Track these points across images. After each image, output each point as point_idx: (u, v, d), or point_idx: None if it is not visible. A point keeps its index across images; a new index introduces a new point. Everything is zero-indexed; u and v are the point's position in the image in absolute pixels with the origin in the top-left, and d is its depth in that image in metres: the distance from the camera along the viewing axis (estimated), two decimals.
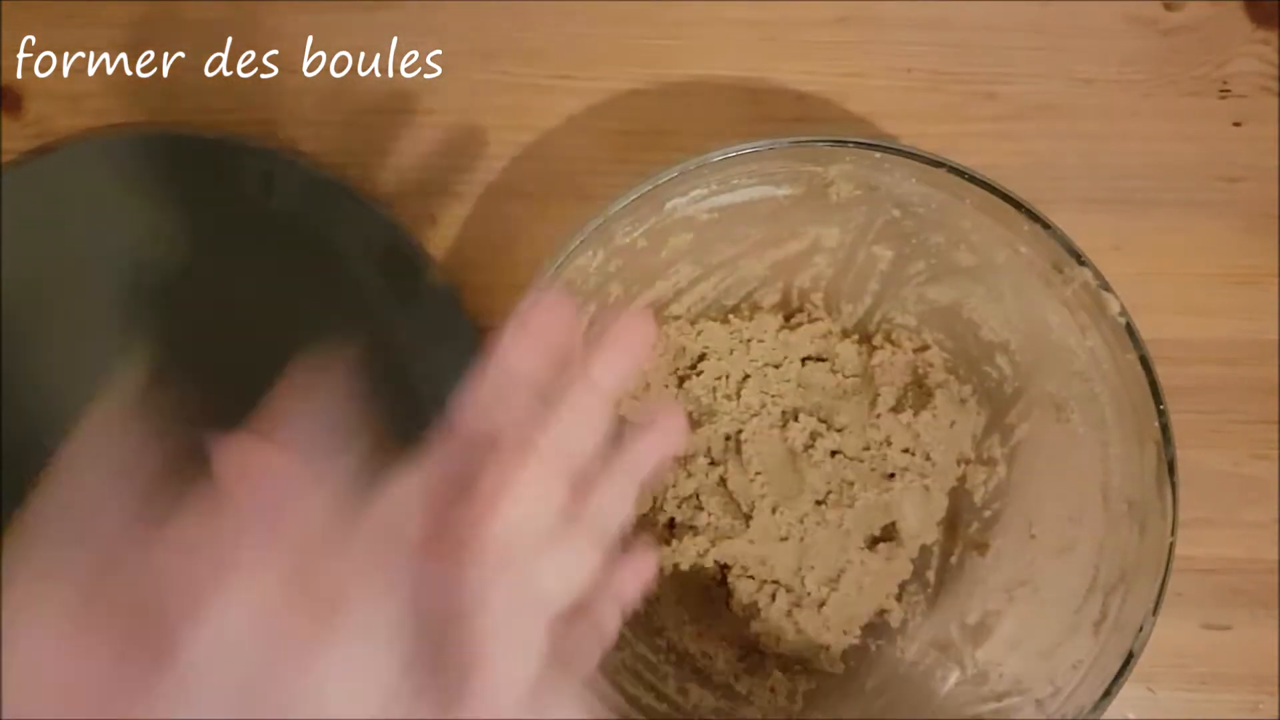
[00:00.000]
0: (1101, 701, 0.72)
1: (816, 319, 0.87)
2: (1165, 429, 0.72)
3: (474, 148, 0.94)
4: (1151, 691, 0.90)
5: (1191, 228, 0.94)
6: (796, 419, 0.85)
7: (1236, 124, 0.94)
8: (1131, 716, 0.90)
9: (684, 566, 0.84)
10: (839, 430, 0.85)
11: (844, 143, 0.74)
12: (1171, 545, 0.72)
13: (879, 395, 0.85)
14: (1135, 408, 0.74)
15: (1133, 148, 0.94)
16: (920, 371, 0.86)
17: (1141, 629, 0.72)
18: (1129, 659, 0.72)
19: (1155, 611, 0.72)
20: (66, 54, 0.94)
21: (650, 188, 0.74)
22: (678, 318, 0.86)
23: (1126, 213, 0.94)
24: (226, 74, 0.95)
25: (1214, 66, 0.95)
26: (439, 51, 0.94)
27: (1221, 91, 0.95)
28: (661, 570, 0.85)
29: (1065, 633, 0.76)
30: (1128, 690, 0.73)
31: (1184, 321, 0.93)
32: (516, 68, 0.95)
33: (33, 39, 0.94)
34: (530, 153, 0.94)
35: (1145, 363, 0.72)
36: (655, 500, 0.86)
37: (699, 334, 0.85)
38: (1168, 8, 0.95)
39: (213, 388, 0.90)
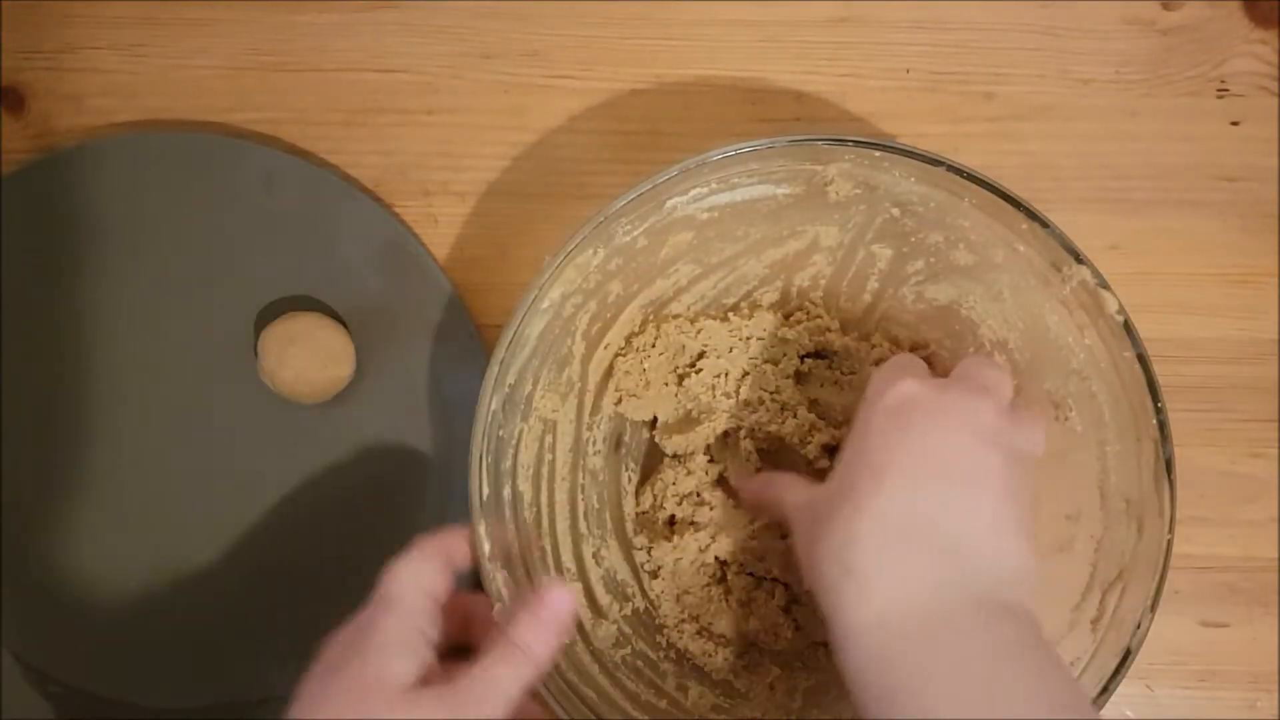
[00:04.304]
0: (1099, 698, 0.72)
1: (816, 317, 0.87)
2: (1163, 427, 0.73)
3: (474, 147, 0.95)
4: (1150, 689, 0.91)
5: (1189, 227, 0.94)
6: (795, 415, 0.85)
7: (1234, 124, 0.95)
8: (1130, 714, 0.90)
9: (684, 563, 0.84)
10: (836, 427, 0.85)
11: (843, 141, 0.75)
12: (1169, 543, 0.72)
13: None
14: (1133, 406, 0.74)
15: (1131, 148, 0.95)
16: None
17: (1139, 626, 0.72)
18: (1126, 656, 0.72)
19: (1153, 609, 0.72)
20: (68, 54, 0.95)
21: (650, 187, 0.74)
22: (677, 316, 0.87)
23: (1124, 212, 0.94)
24: (226, 73, 0.95)
25: (1212, 66, 0.95)
26: (439, 51, 0.95)
27: (1220, 91, 0.95)
28: (661, 568, 0.85)
29: (1063, 630, 0.76)
30: (1126, 688, 0.73)
31: (1181, 321, 0.94)
32: (516, 68, 0.95)
33: (34, 39, 0.95)
34: (530, 152, 0.95)
35: (1143, 361, 0.73)
36: (655, 498, 0.87)
37: (699, 332, 0.85)
38: (1166, 8, 0.95)
39: (211, 382, 0.91)
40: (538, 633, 0.69)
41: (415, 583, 0.69)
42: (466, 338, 0.91)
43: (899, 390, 0.68)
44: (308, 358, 0.87)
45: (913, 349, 0.86)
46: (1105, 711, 0.73)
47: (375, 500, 0.91)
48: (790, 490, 0.76)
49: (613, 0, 0.95)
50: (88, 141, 0.91)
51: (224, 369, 0.91)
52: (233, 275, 0.92)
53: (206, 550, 0.91)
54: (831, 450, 0.86)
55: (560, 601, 0.70)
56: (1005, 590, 0.63)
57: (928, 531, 0.64)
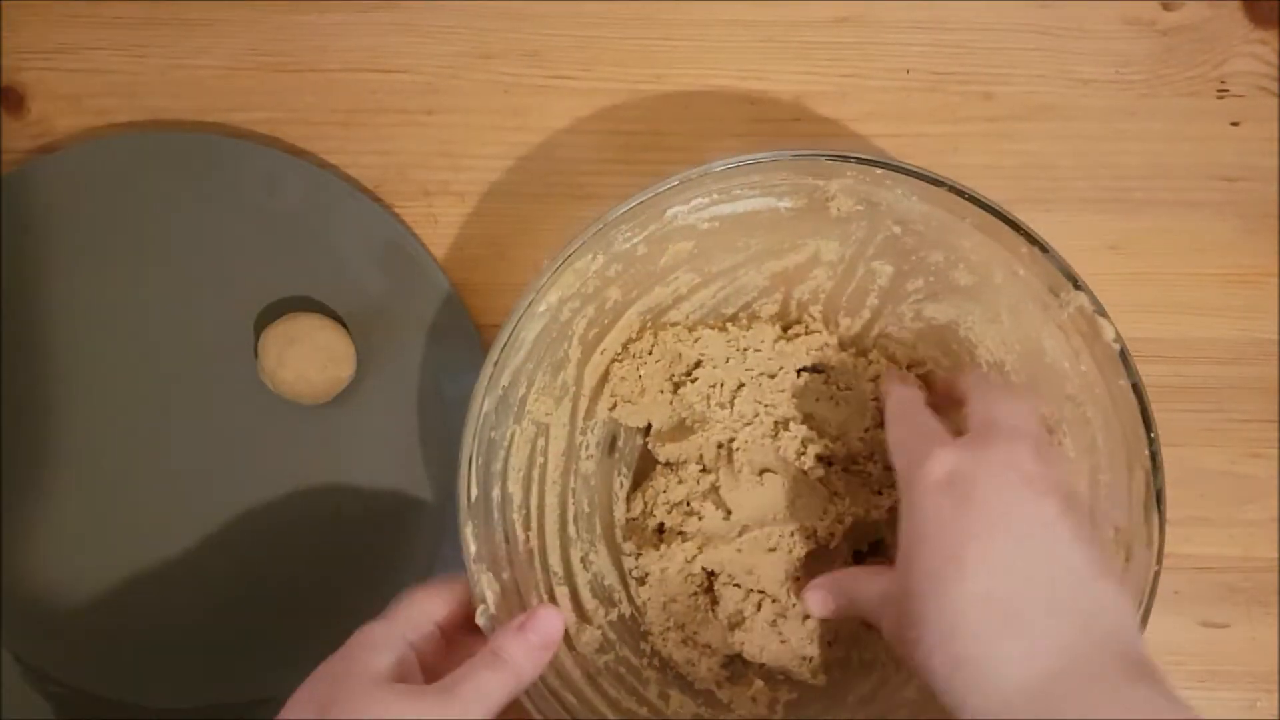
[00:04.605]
0: None
1: (814, 331, 0.87)
2: (1155, 457, 0.73)
3: (474, 147, 0.95)
4: None
5: (1189, 227, 0.94)
6: (788, 429, 0.84)
7: (1234, 124, 0.95)
8: None
9: (671, 571, 0.84)
10: (831, 442, 0.85)
11: (845, 158, 0.75)
12: (1156, 574, 0.72)
13: (872, 410, 0.85)
14: (1126, 434, 0.74)
15: (1130, 148, 0.95)
16: None
17: None
18: None
19: None
20: (68, 54, 0.95)
21: (651, 195, 0.74)
22: (675, 324, 0.87)
23: (1124, 212, 0.94)
24: (226, 73, 0.95)
25: (1212, 66, 0.95)
26: (439, 51, 0.95)
27: (1219, 91, 0.95)
28: (648, 575, 0.86)
29: None
30: None
31: (1181, 321, 0.94)
32: (516, 68, 0.95)
33: (34, 39, 0.95)
34: (530, 153, 0.95)
35: (1138, 390, 0.73)
36: (646, 505, 0.87)
37: (696, 341, 0.85)
38: (1166, 8, 0.95)
39: (211, 382, 0.91)
40: (524, 650, 0.71)
41: (417, 602, 0.72)
42: (466, 338, 0.91)
43: (939, 462, 0.66)
44: (308, 358, 0.87)
45: (909, 367, 0.86)
46: None
47: (375, 501, 0.91)
48: (859, 587, 0.74)
49: (613, 0, 0.95)
50: (88, 141, 0.91)
51: (224, 369, 0.91)
52: (233, 275, 0.92)
53: (206, 550, 0.91)
54: (825, 460, 0.85)
55: (549, 622, 0.72)
56: (1120, 636, 0.63)
57: (1028, 600, 0.62)
